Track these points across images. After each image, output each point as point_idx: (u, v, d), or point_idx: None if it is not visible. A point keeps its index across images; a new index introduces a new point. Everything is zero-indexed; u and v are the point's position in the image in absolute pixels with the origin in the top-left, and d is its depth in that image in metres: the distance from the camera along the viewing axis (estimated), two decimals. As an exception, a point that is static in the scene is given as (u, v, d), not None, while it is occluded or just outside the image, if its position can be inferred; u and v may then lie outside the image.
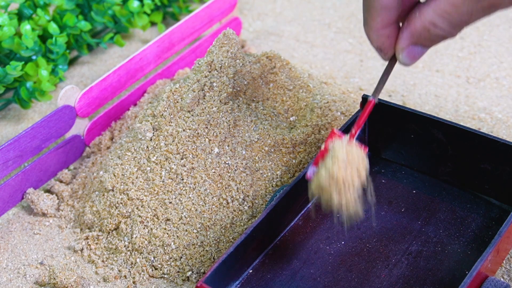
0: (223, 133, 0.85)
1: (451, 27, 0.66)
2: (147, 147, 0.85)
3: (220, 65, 0.88)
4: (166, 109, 0.86)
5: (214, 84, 0.88)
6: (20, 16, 1.06)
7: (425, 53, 0.72)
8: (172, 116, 0.85)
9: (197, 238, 0.81)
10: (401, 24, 0.70)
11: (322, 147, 0.74)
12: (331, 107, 0.91)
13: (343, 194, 0.70)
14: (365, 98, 0.86)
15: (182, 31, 1.02)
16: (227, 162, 0.84)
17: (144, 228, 0.82)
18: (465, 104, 0.99)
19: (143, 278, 0.80)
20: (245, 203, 0.83)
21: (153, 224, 0.82)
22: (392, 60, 0.73)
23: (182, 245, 0.81)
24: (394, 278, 0.76)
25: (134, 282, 0.80)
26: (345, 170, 0.70)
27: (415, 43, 0.69)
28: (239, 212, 0.83)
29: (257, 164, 0.85)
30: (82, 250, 0.84)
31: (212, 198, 0.82)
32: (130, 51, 1.12)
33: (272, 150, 0.86)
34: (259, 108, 0.91)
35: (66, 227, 0.87)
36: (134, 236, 0.82)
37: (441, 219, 0.81)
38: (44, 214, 0.88)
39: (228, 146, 0.85)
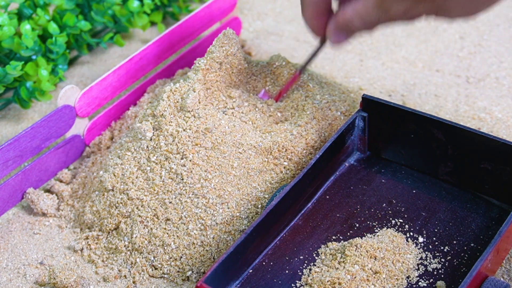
0: (223, 132, 0.85)
1: (365, 26, 0.78)
2: (147, 147, 0.85)
3: (220, 65, 0.88)
4: (166, 108, 0.86)
5: (214, 84, 0.88)
6: (20, 16, 1.06)
7: (350, 39, 0.82)
8: (172, 116, 0.85)
9: (197, 238, 0.81)
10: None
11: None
12: (331, 107, 0.91)
13: None
14: (365, 98, 0.86)
15: (182, 31, 1.02)
16: (227, 162, 0.84)
17: (144, 228, 0.82)
18: (465, 104, 0.99)
19: (143, 278, 0.80)
20: (245, 202, 0.83)
21: (153, 224, 0.82)
22: (323, 41, 0.86)
23: (182, 245, 0.81)
24: (394, 278, 0.76)
25: (134, 282, 0.80)
26: None
27: (339, 31, 0.81)
28: (239, 212, 0.83)
29: (257, 164, 0.85)
30: (82, 250, 0.84)
31: (213, 195, 0.82)
32: (130, 51, 1.12)
33: (272, 150, 0.86)
34: (259, 108, 0.91)
35: (66, 227, 0.87)
36: (134, 236, 0.82)
37: (441, 219, 0.81)
38: (44, 214, 0.88)
39: (228, 145, 0.85)
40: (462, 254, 0.77)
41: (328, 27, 0.82)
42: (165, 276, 0.81)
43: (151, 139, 0.85)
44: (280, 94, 0.91)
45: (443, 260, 0.77)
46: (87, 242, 0.84)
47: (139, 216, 0.82)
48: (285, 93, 0.92)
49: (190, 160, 0.83)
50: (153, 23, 1.17)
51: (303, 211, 0.83)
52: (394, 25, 0.82)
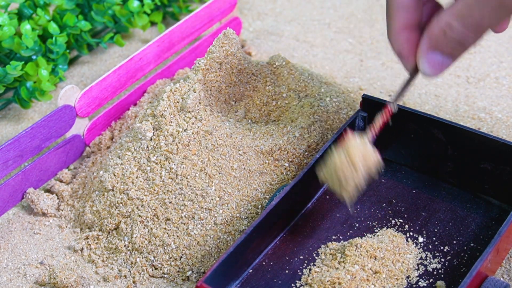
0: (224, 133, 0.86)
1: (466, 29, 0.65)
2: (147, 147, 0.85)
3: (220, 65, 0.88)
4: (166, 109, 0.86)
5: (215, 84, 0.88)
6: (20, 16, 1.06)
7: (448, 65, 0.69)
8: (172, 116, 0.85)
9: (197, 238, 0.81)
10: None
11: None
12: (335, 110, 0.91)
13: (346, 187, 0.74)
14: (365, 98, 0.86)
15: (182, 31, 1.02)
16: (228, 163, 0.84)
17: (144, 227, 0.82)
18: (465, 104, 0.99)
19: (143, 277, 0.80)
20: (246, 203, 0.83)
21: (153, 224, 0.82)
22: (414, 71, 0.72)
23: (182, 245, 0.81)
24: (394, 278, 0.76)
25: (134, 282, 0.80)
26: (354, 170, 0.73)
27: (434, 48, 0.67)
28: (239, 213, 0.83)
29: (257, 165, 0.85)
30: (82, 249, 0.84)
31: (213, 195, 0.82)
32: (130, 51, 1.12)
33: (273, 150, 0.86)
34: (258, 108, 0.91)
35: (66, 226, 0.87)
36: (134, 235, 0.82)
37: (441, 219, 0.81)
38: (44, 214, 0.88)
39: (229, 146, 0.85)
40: (462, 254, 0.77)
41: (419, 48, 0.68)
42: (165, 276, 0.81)
43: (151, 139, 0.85)
44: (375, 133, 0.77)
45: (443, 260, 0.77)
46: (87, 242, 0.84)
47: (139, 216, 0.82)
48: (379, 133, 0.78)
49: (190, 161, 0.83)
50: (153, 23, 1.17)
51: (303, 211, 0.83)
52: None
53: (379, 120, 0.76)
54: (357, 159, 0.73)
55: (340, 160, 0.74)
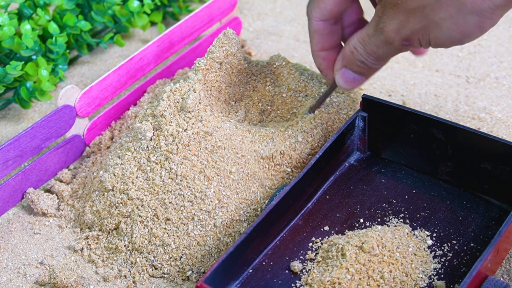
0: (224, 133, 0.85)
1: (366, 53, 0.75)
2: (147, 147, 0.85)
3: (220, 65, 0.88)
4: (166, 109, 0.86)
5: (215, 84, 0.88)
6: (20, 16, 1.06)
7: (361, 81, 0.79)
8: (172, 116, 0.85)
9: (197, 238, 0.81)
10: None
11: None
12: (331, 108, 0.91)
13: None
14: (365, 98, 0.86)
15: (182, 31, 1.02)
16: (225, 166, 0.84)
17: (144, 227, 0.82)
18: (465, 104, 0.99)
19: (143, 277, 0.80)
20: (245, 206, 0.83)
21: (153, 224, 0.82)
22: (334, 84, 0.82)
23: (182, 245, 0.81)
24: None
25: (134, 282, 0.80)
26: None
27: (345, 65, 0.78)
28: (239, 215, 0.83)
29: (257, 165, 0.85)
30: (82, 249, 0.84)
31: (212, 198, 0.82)
32: (130, 51, 1.12)
33: (272, 150, 0.86)
34: (258, 109, 0.91)
35: (66, 226, 0.87)
36: (134, 235, 0.82)
37: (441, 219, 0.81)
38: (44, 214, 0.88)
39: (228, 146, 0.85)
40: (462, 254, 0.77)
41: (335, 64, 0.79)
42: (165, 276, 0.81)
43: (151, 139, 0.85)
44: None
45: (443, 260, 0.77)
46: (87, 242, 0.84)
47: (139, 216, 0.82)
48: None
49: (189, 161, 0.83)
50: (153, 23, 1.17)
51: (303, 211, 0.83)
52: (394, 55, 0.79)
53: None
54: None
55: None
